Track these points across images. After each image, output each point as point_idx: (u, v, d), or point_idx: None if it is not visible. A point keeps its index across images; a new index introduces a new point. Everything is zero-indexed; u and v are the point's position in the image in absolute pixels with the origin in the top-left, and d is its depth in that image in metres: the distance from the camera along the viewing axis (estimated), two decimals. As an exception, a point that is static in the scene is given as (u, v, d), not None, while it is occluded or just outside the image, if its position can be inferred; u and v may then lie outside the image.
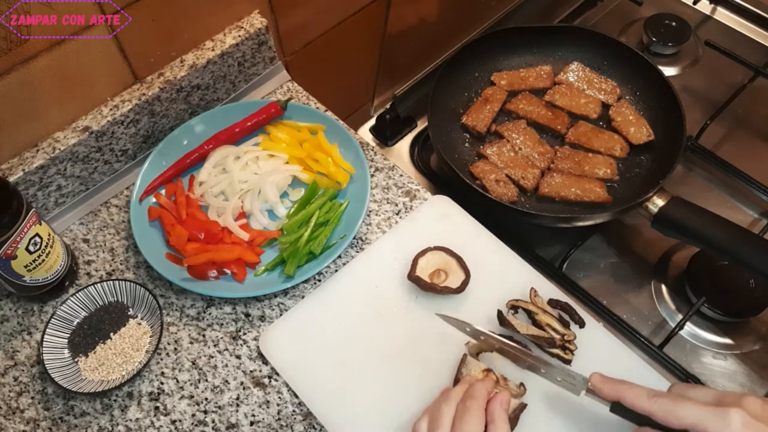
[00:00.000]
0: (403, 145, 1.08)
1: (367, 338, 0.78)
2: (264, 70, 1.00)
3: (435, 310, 0.79)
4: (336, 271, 0.84)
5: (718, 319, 0.87)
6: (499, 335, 0.70)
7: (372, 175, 0.92)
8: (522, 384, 0.71)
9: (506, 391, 0.67)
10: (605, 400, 0.63)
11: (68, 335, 0.78)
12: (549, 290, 0.80)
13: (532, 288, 0.79)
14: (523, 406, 0.69)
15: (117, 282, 0.81)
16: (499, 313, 0.76)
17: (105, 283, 0.80)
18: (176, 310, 0.82)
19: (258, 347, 0.79)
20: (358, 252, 0.86)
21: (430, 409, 0.65)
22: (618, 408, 0.61)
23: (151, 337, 0.79)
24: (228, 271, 0.82)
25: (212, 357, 0.79)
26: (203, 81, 0.93)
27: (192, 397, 0.76)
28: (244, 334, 0.80)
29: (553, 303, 0.79)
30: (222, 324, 0.81)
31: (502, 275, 0.82)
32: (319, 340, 0.78)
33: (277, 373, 0.77)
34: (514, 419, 0.68)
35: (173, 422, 0.75)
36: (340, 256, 0.85)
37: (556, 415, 0.71)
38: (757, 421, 0.53)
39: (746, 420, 0.53)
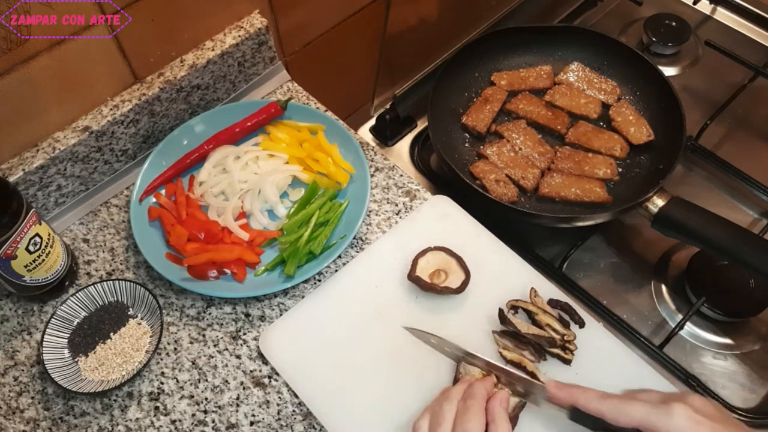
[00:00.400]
0: (403, 145, 1.08)
1: (367, 338, 0.78)
2: (264, 70, 1.00)
3: (435, 310, 0.79)
4: (336, 271, 0.84)
5: (718, 319, 0.87)
6: (464, 350, 0.71)
7: (372, 175, 0.92)
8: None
9: (505, 390, 0.67)
10: (562, 407, 0.64)
11: (68, 335, 0.78)
12: (549, 290, 0.80)
13: (532, 288, 0.79)
14: (522, 405, 0.69)
15: (117, 282, 0.81)
16: (501, 312, 0.76)
17: (105, 283, 0.80)
18: (176, 310, 0.82)
19: (258, 347, 0.79)
20: (358, 252, 0.86)
21: (431, 408, 0.65)
22: (575, 415, 0.63)
23: (151, 337, 0.79)
24: (228, 271, 0.82)
25: (212, 357, 0.79)
26: (203, 81, 0.93)
27: (192, 397, 0.76)
28: (244, 334, 0.80)
29: (553, 303, 0.79)
30: (222, 324, 0.81)
31: (502, 275, 0.82)
32: (319, 340, 0.78)
33: (277, 373, 0.77)
34: (513, 418, 0.68)
35: (173, 422, 0.75)
36: (340, 256, 0.85)
37: (555, 413, 0.71)
38: (699, 414, 0.56)
39: (689, 413, 0.56)
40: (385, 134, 1.08)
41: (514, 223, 0.93)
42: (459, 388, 0.66)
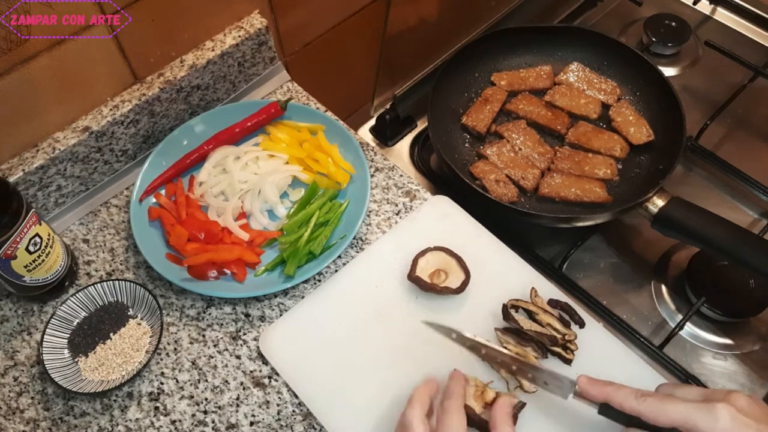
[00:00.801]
0: (403, 145, 1.08)
1: (367, 338, 0.78)
2: (264, 70, 1.00)
3: (435, 310, 0.79)
4: (336, 271, 0.84)
5: (718, 320, 0.87)
6: (485, 342, 0.71)
7: (372, 175, 0.92)
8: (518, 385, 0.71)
9: (507, 396, 0.67)
10: (593, 403, 0.63)
11: (68, 335, 0.78)
12: (549, 290, 0.80)
13: (532, 288, 0.79)
14: (521, 405, 0.69)
15: (117, 282, 0.80)
16: (504, 308, 0.76)
17: (105, 283, 0.80)
18: (176, 310, 0.82)
19: (258, 347, 0.79)
20: (358, 252, 0.86)
21: (401, 419, 0.64)
22: (606, 409, 0.62)
23: (151, 337, 0.79)
24: (228, 271, 0.82)
25: (212, 357, 0.79)
26: (203, 81, 0.93)
27: (192, 397, 0.76)
28: (244, 334, 0.80)
29: (553, 303, 0.79)
30: (222, 324, 0.81)
31: (502, 275, 0.82)
32: (319, 340, 0.78)
33: (277, 374, 0.77)
34: (512, 417, 0.68)
35: (173, 422, 0.75)
36: (340, 256, 0.85)
37: (557, 411, 0.71)
38: (744, 416, 0.54)
39: (734, 414, 0.54)
40: (385, 134, 1.08)
41: (514, 223, 0.93)
42: (423, 389, 0.65)
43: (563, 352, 0.74)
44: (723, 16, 1.22)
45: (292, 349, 0.77)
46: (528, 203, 0.95)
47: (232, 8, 0.92)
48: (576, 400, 0.64)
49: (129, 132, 0.89)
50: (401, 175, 0.93)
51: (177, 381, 0.77)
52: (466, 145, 1.01)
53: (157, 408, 0.76)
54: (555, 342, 0.74)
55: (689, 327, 0.87)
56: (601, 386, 0.62)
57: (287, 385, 0.76)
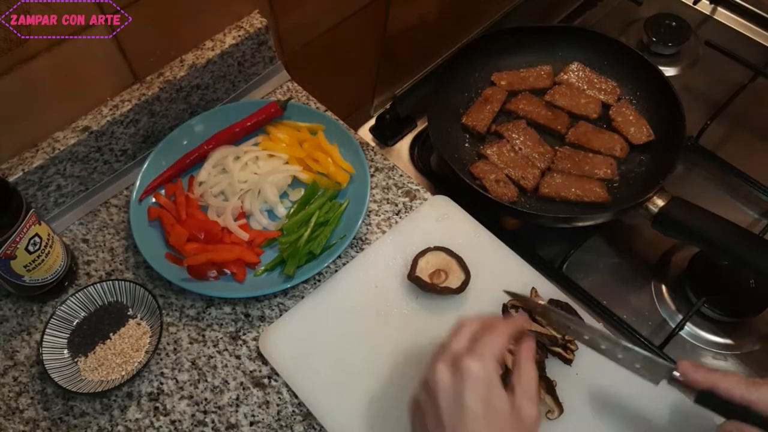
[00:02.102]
0: (403, 145, 1.08)
1: (367, 338, 0.78)
2: (264, 69, 1.00)
3: (435, 310, 0.79)
4: (336, 271, 0.84)
5: (718, 320, 0.87)
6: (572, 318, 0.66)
7: (372, 175, 0.92)
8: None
9: (531, 340, 0.61)
10: (693, 390, 0.57)
11: (68, 335, 0.78)
12: (549, 290, 0.80)
13: (533, 288, 0.79)
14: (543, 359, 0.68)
15: (116, 282, 0.80)
16: (504, 308, 0.76)
17: (104, 283, 0.80)
18: (176, 310, 0.82)
19: (258, 347, 0.79)
20: (358, 252, 0.86)
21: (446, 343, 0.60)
22: (706, 398, 0.56)
23: (150, 337, 0.79)
24: (228, 272, 0.82)
25: (212, 357, 0.79)
26: (203, 81, 0.93)
27: (191, 397, 0.76)
28: (244, 334, 0.80)
29: (554, 303, 0.79)
30: (222, 324, 0.81)
31: (502, 275, 0.82)
32: (319, 340, 0.78)
33: (277, 374, 0.77)
34: (540, 362, 0.65)
35: (173, 422, 0.75)
36: (340, 256, 0.85)
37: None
38: None
39: None
40: (385, 134, 1.08)
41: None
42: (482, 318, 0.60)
43: (563, 352, 0.74)
44: (723, 15, 1.22)
45: (292, 349, 0.77)
46: (528, 203, 0.95)
47: (232, 8, 0.92)
48: (670, 386, 0.59)
49: (129, 132, 0.89)
50: (401, 175, 0.93)
51: (177, 381, 0.77)
52: (466, 145, 1.01)
53: (156, 408, 0.76)
54: (555, 342, 0.74)
55: (689, 327, 0.87)
56: (706, 373, 0.56)
57: (287, 385, 0.76)
